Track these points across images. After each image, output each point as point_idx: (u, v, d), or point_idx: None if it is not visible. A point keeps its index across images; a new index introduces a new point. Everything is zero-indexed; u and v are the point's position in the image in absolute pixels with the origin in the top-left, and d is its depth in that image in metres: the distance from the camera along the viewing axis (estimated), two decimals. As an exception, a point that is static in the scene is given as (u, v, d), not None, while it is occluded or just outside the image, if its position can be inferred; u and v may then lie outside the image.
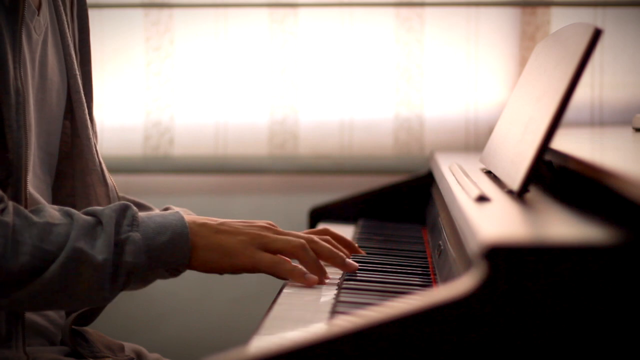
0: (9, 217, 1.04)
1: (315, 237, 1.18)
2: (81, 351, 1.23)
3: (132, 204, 1.11)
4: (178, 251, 1.10)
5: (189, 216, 1.14)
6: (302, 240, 1.14)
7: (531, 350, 0.76)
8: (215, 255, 1.12)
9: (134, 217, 1.10)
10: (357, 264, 1.20)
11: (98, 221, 1.08)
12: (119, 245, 1.07)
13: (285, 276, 1.13)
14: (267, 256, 1.12)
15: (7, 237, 1.03)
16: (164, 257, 1.10)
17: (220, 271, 1.13)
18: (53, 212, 1.08)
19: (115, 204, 1.11)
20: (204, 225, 1.12)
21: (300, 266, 1.15)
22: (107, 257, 1.06)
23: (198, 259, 1.12)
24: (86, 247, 1.05)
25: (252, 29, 2.13)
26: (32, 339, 1.20)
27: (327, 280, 1.15)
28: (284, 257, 1.14)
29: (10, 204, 1.07)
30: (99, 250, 1.06)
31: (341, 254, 1.19)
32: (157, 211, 1.41)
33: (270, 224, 1.17)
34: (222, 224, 1.13)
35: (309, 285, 1.12)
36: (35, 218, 1.06)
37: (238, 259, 1.12)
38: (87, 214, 1.09)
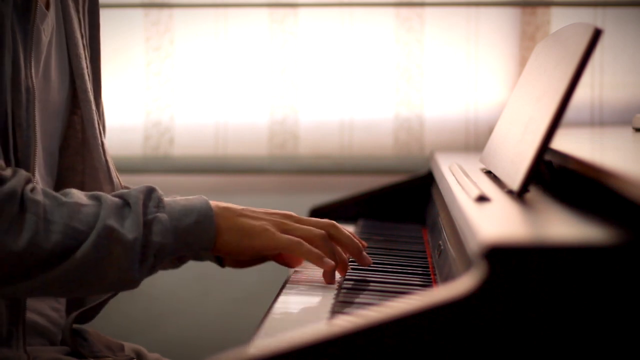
0: (39, 196, 1.05)
1: (336, 224, 1.18)
2: (81, 351, 1.23)
3: (157, 187, 1.12)
4: (204, 233, 1.11)
5: (213, 201, 1.14)
6: (323, 232, 1.15)
7: (531, 350, 0.76)
8: (236, 237, 1.12)
9: (160, 199, 1.10)
10: (370, 259, 1.20)
11: (125, 202, 1.08)
12: (146, 225, 1.07)
13: (304, 257, 1.13)
14: (286, 237, 1.13)
15: (39, 215, 1.03)
16: (190, 239, 1.10)
17: (240, 253, 1.13)
18: (80, 194, 1.09)
19: (141, 186, 1.11)
20: (227, 208, 1.13)
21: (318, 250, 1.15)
22: (137, 236, 1.06)
23: (221, 242, 1.12)
24: (117, 226, 1.05)
25: (252, 29, 2.13)
26: (33, 339, 1.20)
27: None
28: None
29: (38, 185, 1.07)
30: (129, 229, 1.06)
31: (359, 245, 1.19)
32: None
33: (290, 214, 1.17)
34: (244, 209, 1.15)
35: (326, 269, 1.12)
36: (64, 198, 1.07)
37: (259, 239, 1.12)
38: (113, 196, 1.10)
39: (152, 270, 1.09)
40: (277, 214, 1.16)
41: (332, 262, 1.13)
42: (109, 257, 1.05)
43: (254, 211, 1.15)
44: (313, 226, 1.16)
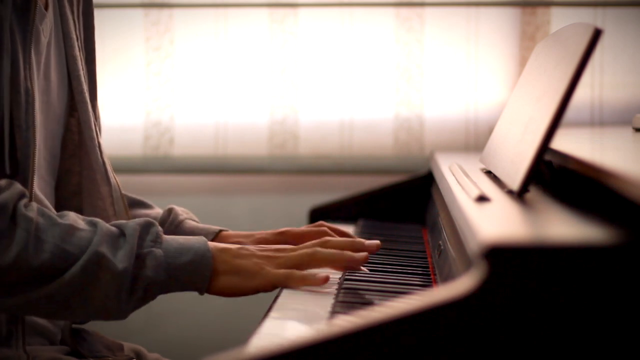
0: (33, 213, 1.04)
1: (328, 237, 1.19)
2: (81, 351, 1.23)
3: (156, 222, 1.11)
4: (198, 274, 1.10)
5: (212, 242, 1.13)
6: (313, 248, 1.14)
7: (531, 350, 0.76)
8: (236, 280, 1.11)
9: (158, 234, 1.10)
10: (378, 242, 1.20)
11: (121, 233, 1.08)
12: (140, 259, 1.07)
13: (301, 284, 1.12)
14: (280, 272, 1.12)
15: (30, 232, 1.03)
16: (184, 278, 1.10)
17: (241, 294, 1.13)
18: (77, 218, 1.09)
19: (140, 219, 1.10)
20: (224, 250, 1.12)
21: (310, 271, 1.14)
22: (127, 267, 1.05)
23: (218, 285, 1.11)
24: (108, 254, 1.05)
25: (252, 29, 2.13)
26: (32, 339, 1.20)
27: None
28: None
29: (34, 203, 1.07)
30: (120, 259, 1.05)
31: (359, 239, 1.19)
32: (157, 210, 1.41)
33: (283, 247, 1.17)
34: (240, 248, 1.13)
35: (322, 283, 1.12)
36: (59, 219, 1.06)
37: (256, 280, 1.12)
38: (111, 225, 1.09)
39: (141, 303, 1.08)
40: (270, 250, 1.15)
41: (326, 275, 1.12)
42: (96, 284, 1.04)
43: (248, 249, 1.14)
44: (306, 248, 1.16)
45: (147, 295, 1.08)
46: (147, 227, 1.09)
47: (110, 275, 1.05)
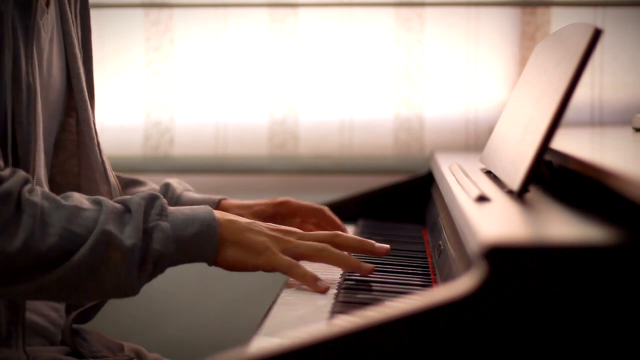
0: (37, 198, 1.04)
1: (339, 232, 1.18)
2: (81, 351, 1.23)
3: (160, 195, 1.11)
4: (206, 244, 1.09)
5: (218, 212, 1.13)
6: (323, 244, 1.14)
7: (531, 350, 0.76)
8: (241, 253, 1.11)
9: (163, 207, 1.09)
10: (388, 246, 1.19)
11: (126, 208, 1.07)
12: (147, 233, 1.06)
13: (300, 280, 1.12)
14: (285, 259, 1.11)
15: (35, 216, 1.02)
16: (192, 249, 1.09)
17: (242, 269, 1.12)
18: (82, 198, 1.08)
19: (144, 193, 1.10)
20: (232, 221, 1.12)
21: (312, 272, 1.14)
22: (135, 243, 1.04)
23: (225, 255, 1.11)
24: (115, 231, 1.04)
25: (252, 29, 2.13)
26: (32, 339, 1.20)
27: (327, 282, 1.15)
28: (295, 261, 1.13)
29: (38, 187, 1.06)
30: (128, 236, 1.04)
31: (369, 241, 1.18)
32: (153, 185, 1.43)
33: (294, 230, 1.16)
34: (251, 223, 1.13)
35: (319, 292, 1.11)
36: (63, 202, 1.06)
37: (260, 259, 1.11)
38: (115, 202, 1.09)
39: (151, 277, 1.08)
40: (279, 230, 1.14)
41: (327, 286, 1.12)
42: (106, 263, 1.04)
43: (258, 225, 1.13)
44: (315, 240, 1.15)
45: (157, 269, 1.07)
46: (151, 200, 1.09)
47: (120, 252, 1.04)
